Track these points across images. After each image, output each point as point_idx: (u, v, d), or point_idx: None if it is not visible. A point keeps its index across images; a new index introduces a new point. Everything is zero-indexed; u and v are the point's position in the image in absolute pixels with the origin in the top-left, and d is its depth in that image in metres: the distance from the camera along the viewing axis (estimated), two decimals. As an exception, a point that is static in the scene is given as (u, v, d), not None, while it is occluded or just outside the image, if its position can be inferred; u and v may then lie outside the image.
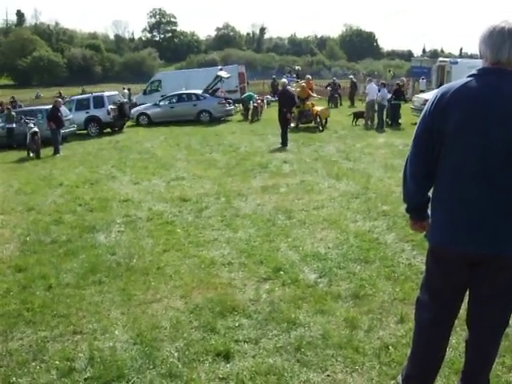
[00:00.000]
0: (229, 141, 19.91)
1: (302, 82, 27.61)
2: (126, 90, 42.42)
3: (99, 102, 27.42)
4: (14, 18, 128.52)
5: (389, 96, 23.17)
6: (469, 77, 3.12)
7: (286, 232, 7.87)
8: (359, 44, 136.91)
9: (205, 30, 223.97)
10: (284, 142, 17.26)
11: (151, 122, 29.69)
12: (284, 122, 17.52)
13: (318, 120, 22.10)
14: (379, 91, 23.01)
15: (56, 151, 19.92)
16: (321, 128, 21.79)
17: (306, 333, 4.76)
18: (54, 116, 20.62)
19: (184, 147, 18.89)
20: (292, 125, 20.92)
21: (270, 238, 7.61)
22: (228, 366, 4.30)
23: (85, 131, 26.68)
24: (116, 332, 4.93)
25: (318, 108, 22.76)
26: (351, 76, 45.59)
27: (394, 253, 6.83)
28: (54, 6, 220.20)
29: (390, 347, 4.49)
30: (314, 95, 25.62)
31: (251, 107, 28.64)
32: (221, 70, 33.79)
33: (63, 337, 4.92)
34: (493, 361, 3.52)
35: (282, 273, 6.24)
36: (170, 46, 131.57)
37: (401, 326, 4.89)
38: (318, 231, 7.90)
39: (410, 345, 4.47)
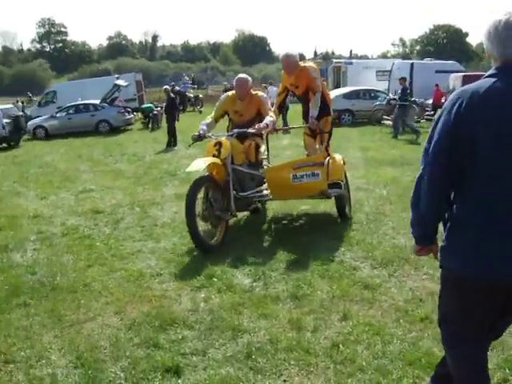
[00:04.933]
0: (132, 150, 19.56)
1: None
2: (19, 103, 40.93)
3: (-8, 117, 26.27)
4: None
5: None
6: (488, 77, 2.82)
7: (211, 237, 7.70)
8: (252, 49, 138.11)
9: (96, 39, 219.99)
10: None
11: (48, 135, 28.79)
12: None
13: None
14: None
15: None
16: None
17: (253, 339, 4.62)
18: None
19: (86, 159, 18.35)
20: None
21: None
22: (180, 381, 4.07)
23: (-22, 147, 25.52)
24: (53, 357, 4.54)
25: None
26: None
27: (323, 251, 6.80)
28: None
29: (340, 345, 4.43)
30: None
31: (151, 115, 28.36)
32: (118, 78, 33.22)
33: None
34: None
35: (215, 279, 6.05)
36: (61, 56, 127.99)
37: (345, 324, 4.86)
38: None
39: (358, 342, 4.49)
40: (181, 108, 32.56)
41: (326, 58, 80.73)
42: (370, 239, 7.25)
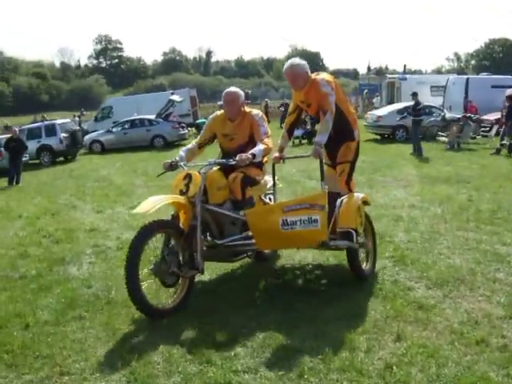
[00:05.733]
0: (187, 165, 19.70)
1: None
2: (76, 118, 41.89)
3: (51, 131, 27.06)
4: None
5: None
6: None
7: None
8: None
9: (151, 55, 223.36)
10: None
11: (104, 149, 29.38)
12: None
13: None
14: None
15: (10, 181, 19.48)
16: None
17: (305, 358, 4.59)
18: (6, 146, 20.26)
19: (141, 173, 18.66)
20: None
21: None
22: (232, 399, 4.09)
23: (37, 160, 26.18)
24: (106, 370, 4.61)
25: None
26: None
27: (376, 270, 6.75)
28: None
29: (394, 367, 4.38)
30: None
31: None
32: (173, 94, 33.75)
33: (50, 380, 4.56)
34: None
35: (266, 296, 6.11)
36: (117, 71, 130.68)
37: (399, 345, 4.79)
38: (295, 251, 7.81)
39: (412, 363, 4.43)
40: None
41: (380, 73, 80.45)
42: (425, 259, 7.15)
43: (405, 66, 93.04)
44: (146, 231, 5.59)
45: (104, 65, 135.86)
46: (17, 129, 22.83)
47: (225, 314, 5.70)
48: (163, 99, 31.84)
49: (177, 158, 6.51)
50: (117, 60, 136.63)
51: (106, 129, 31.01)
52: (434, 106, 27.69)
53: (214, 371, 4.44)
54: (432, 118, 25.20)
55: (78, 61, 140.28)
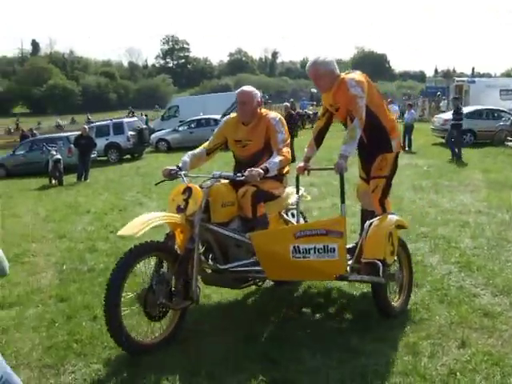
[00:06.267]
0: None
1: None
2: (143, 116, 42.64)
3: (119, 129, 27.68)
4: (29, 48, 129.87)
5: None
6: None
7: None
8: (371, 66, 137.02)
9: (217, 56, 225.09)
10: None
11: (170, 148, 29.79)
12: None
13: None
14: (405, 112, 23.77)
15: (79, 177, 20.02)
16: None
17: (368, 361, 4.61)
18: (76, 143, 20.80)
19: (207, 172, 18.80)
20: None
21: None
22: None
23: (105, 158, 26.81)
24: (169, 365, 4.72)
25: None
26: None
27: (442, 275, 6.68)
28: (68, 35, 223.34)
29: (458, 373, 4.34)
30: None
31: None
32: (238, 94, 33.86)
33: (118, 369, 4.71)
34: None
35: (331, 299, 6.12)
36: (184, 72, 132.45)
37: (463, 351, 4.74)
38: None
39: (476, 371, 4.38)
40: (299, 125, 32.80)
41: (448, 76, 79.04)
42: (492, 265, 7.02)
43: (473, 68, 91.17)
44: (133, 255, 4.82)
45: (171, 65, 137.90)
46: (86, 126, 23.41)
47: (292, 316, 5.76)
48: (229, 99, 32.01)
49: (179, 165, 5.67)
50: (183, 60, 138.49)
51: (172, 128, 31.45)
52: (502, 110, 27.01)
53: (279, 370, 4.51)
54: (501, 123, 24.64)
55: (146, 60, 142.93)
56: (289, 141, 5.73)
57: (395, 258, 5.51)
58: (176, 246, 5.14)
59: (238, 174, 5.25)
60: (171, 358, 4.85)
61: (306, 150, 6.04)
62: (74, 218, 12.38)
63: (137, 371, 4.64)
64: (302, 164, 5.95)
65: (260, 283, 6.01)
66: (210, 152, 5.99)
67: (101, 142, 26.13)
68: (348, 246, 5.52)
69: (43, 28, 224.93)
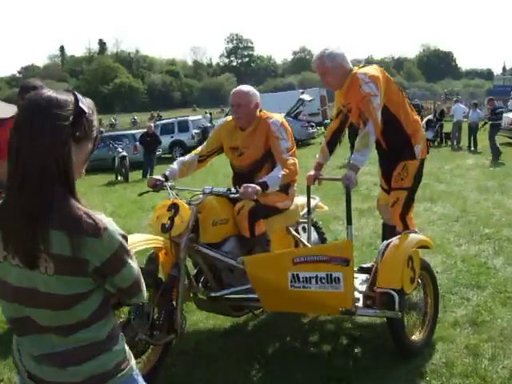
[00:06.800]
0: (312, 163, 19.75)
1: None
2: (207, 114, 43.14)
3: (184, 127, 28.09)
4: (96, 47, 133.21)
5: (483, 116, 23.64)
6: None
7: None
8: (437, 64, 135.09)
9: (281, 54, 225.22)
10: None
11: (234, 146, 29.97)
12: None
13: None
14: (469, 112, 23.40)
15: (144, 174, 20.41)
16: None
17: (428, 361, 4.61)
18: (142, 140, 21.22)
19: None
20: None
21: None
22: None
23: (169, 155, 27.19)
24: None
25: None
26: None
27: (505, 278, 6.58)
28: (134, 35, 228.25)
29: (519, 377, 4.30)
30: None
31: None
32: (302, 93, 33.83)
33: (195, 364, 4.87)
34: None
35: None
36: (248, 70, 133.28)
37: (526, 355, 4.69)
38: (423, 255, 7.71)
39: (538, 375, 4.33)
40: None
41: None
42: (559, 268, 6.89)
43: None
44: None
45: (235, 63, 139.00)
46: (152, 124, 23.80)
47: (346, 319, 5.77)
48: (293, 98, 32.01)
49: (166, 173, 4.96)
50: (247, 59, 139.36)
51: (235, 126, 31.69)
52: None
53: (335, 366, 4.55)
54: None
55: (210, 59, 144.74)
56: (294, 149, 4.90)
57: (417, 283, 4.71)
58: (160, 271, 4.42)
59: (233, 190, 4.47)
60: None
61: (317, 155, 5.43)
62: (140, 214, 12.62)
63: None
64: (312, 173, 5.29)
65: (257, 312, 5.19)
66: (202, 159, 5.26)
67: (166, 140, 26.56)
68: (364, 266, 5.17)
69: (109, 28, 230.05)
